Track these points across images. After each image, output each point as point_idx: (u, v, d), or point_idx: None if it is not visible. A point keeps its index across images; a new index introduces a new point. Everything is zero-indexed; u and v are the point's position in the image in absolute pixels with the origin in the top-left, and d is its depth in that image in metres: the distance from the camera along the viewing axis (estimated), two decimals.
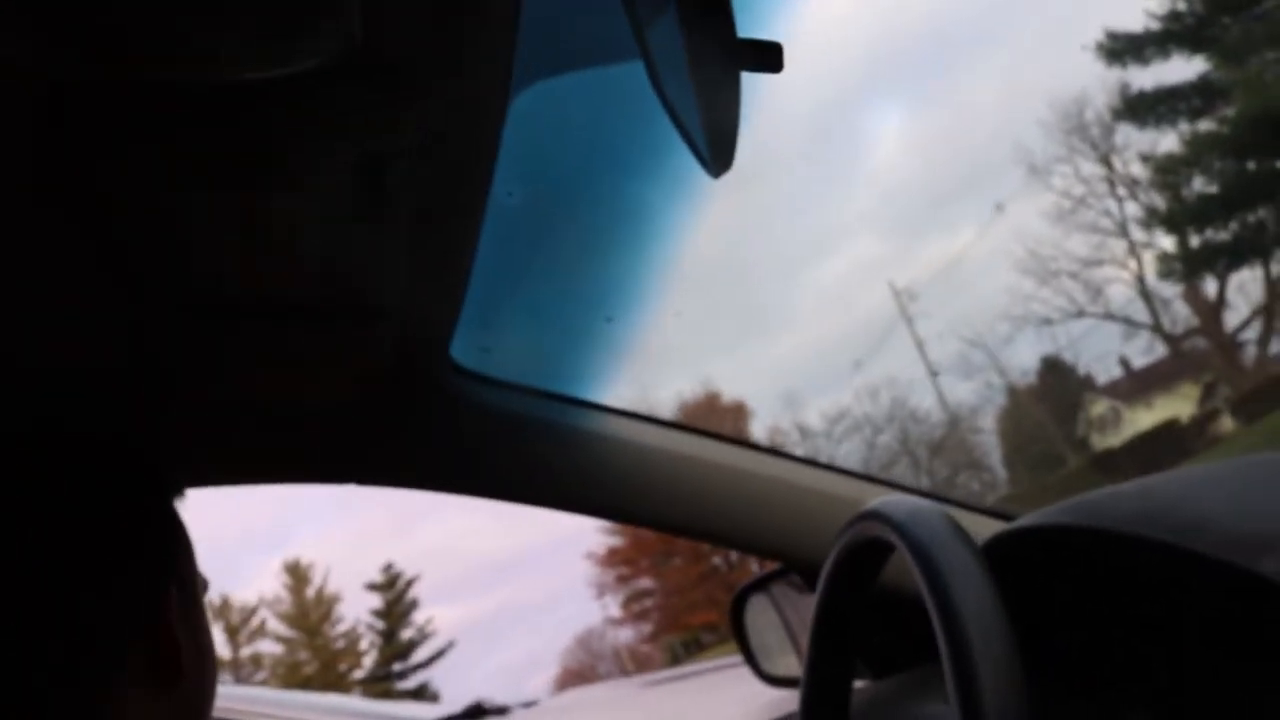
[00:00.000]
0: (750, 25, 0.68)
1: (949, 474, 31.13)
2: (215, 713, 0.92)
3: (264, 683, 33.61)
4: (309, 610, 35.70)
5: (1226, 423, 23.41)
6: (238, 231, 0.83)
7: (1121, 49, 23.66)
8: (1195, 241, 23.45)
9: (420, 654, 36.32)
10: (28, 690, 0.77)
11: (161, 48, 0.61)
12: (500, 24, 0.69)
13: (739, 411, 33.55)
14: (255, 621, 35.04)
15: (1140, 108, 24.19)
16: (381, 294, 0.97)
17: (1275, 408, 19.83)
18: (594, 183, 1.10)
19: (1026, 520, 0.86)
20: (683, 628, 32.03)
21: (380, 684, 34.94)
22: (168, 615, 0.85)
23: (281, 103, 0.69)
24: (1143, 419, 27.61)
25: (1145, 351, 29.73)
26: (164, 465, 0.95)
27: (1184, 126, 23.54)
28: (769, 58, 0.66)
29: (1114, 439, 27.70)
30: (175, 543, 0.92)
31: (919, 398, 32.86)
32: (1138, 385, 29.43)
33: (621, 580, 34.52)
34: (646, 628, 35.09)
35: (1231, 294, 25.66)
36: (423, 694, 34.41)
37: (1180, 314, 27.62)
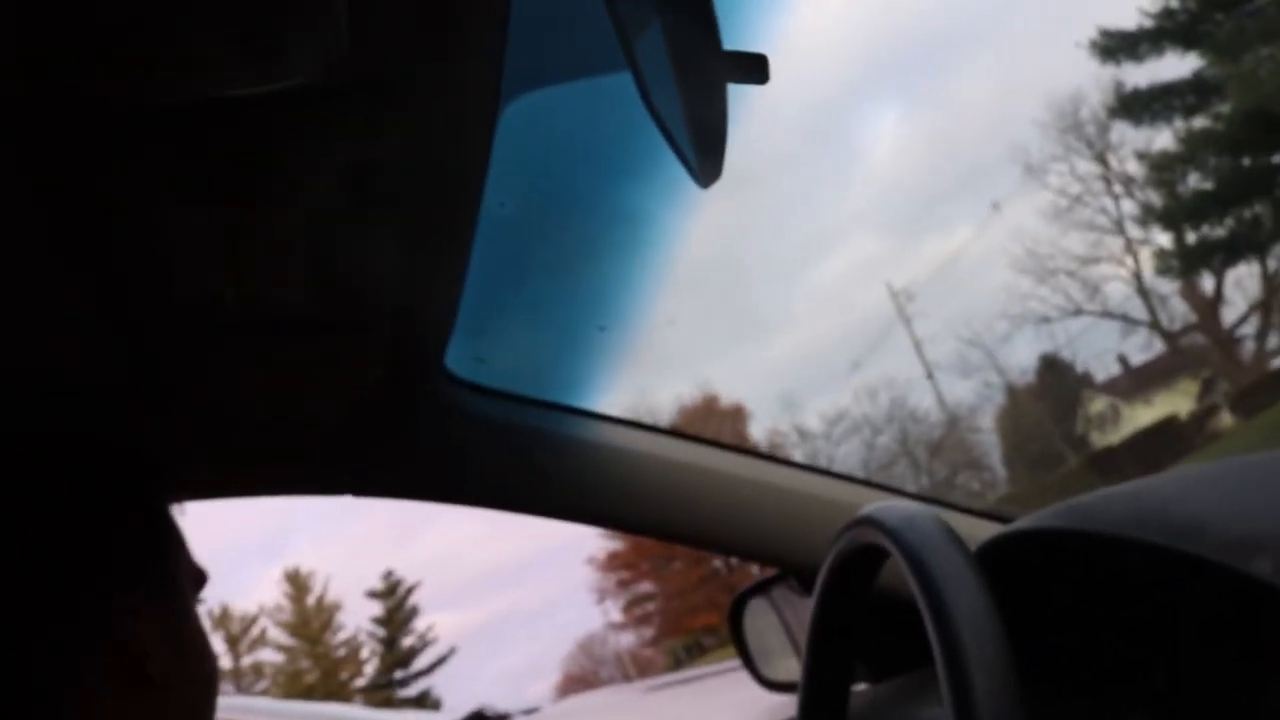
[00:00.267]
0: (743, 28, 0.68)
1: (948, 474, 31.13)
2: None
3: (265, 692, 33.56)
4: (310, 619, 35.70)
5: (1225, 418, 23.43)
6: (230, 244, 0.84)
7: (1115, 46, 23.69)
8: (1192, 238, 23.50)
9: (421, 661, 36.36)
10: None
11: (152, 64, 0.61)
12: (488, 36, 0.69)
13: (738, 414, 33.60)
14: (255, 630, 35.04)
15: (1135, 105, 24.22)
16: (375, 305, 0.97)
17: (1273, 403, 19.83)
18: (585, 191, 1.10)
19: (1021, 524, 0.86)
20: (684, 631, 32.03)
21: (382, 692, 34.94)
22: (133, 619, 0.85)
23: (271, 116, 0.70)
24: (1142, 416, 27.62)
25: (1143, 348, 29.81)
26: (156, 477, 0.95)
27: (1179, 123, 23.60)
28: (754, 69, 0.66)
29: (1113, 436, 27.72)
30: (150, 545, 0.91)
31: (918, 398, 32.83)
32: (1136, 382, 29.46)
33: (622, 585, 34.54)
34: (648, 632, 35.12)
35: (1229, 290, 25.74)
36: (424, 701, 34.40)
37: (1178, 310, 27.70)
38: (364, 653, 36.52)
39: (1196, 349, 27.71)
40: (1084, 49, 23.94)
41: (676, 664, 28.33)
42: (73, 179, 0.71)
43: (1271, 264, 23.98)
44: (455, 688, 36.50)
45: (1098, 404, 29.98)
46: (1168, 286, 26.54)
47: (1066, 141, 27.54)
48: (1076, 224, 27.82)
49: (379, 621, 36.42)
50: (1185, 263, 24.02)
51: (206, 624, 0.97)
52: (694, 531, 1.33)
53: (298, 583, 35.94)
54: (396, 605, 36.66)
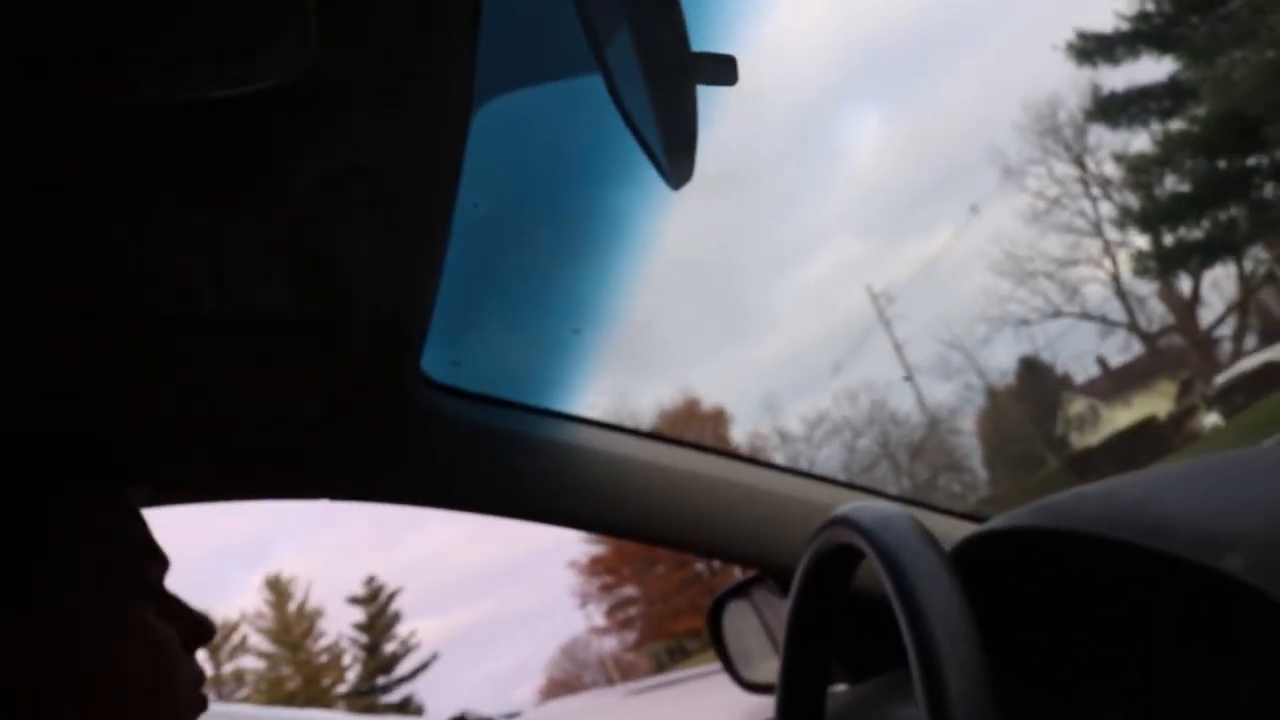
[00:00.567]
0: (723, 31, 0.68)
1: (929, 476, 31.25)
2: None
3: (247, 698, 33.38)
4: (291, 625, 35.54)
5: (1203, 419, 23.55)
6: (204, 248, 0.83)
7: (1092, 49, 23.79)
8: (1169, 240, 23.60)
9: (404, 667, 36.22)
10: None
11: (122, 68, 0.61)
12: (459, 38, 0.69)
13: (719, 418, 33.63)
14: (237, 637, 34.84)
15: (1112, 108, 24.34)
16: (350, 309, 0.97)
17: (1250, 403, 19.96)
18: (559, 193, 1.10)
19: (995, 523, 0.87)
20: (667, 635, 32.02)
21: (364, 698, 34.80)
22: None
23: (243, 118, 0.69)
24: (1121, 417, 27.78)
25: (1122, 350, 29.99)
26: (132, 481, 0.94)
27: (1155, 126, 23.70)
28: (723, 70, 0.66)
29: (1093, 438, 27.86)
30: (51, 555, 0.83)
31: (898, 400, 32.98)
32: (1115, 383, 29.62)
33: (605, 589, 34.52)
34: (631, 636, 35.09)
35: (1206, 291, 25.92)
36: (407, 707, 34.28)
37: (1156, 312, 27.90)
38: (346, 659, 36.40)
39: (1175, 350, 27.88)
40: (1061, 52, 24.09)
41: (659, 667, 28.33)
42: (55, 178, 0.71)
43: (1248, 265, 24.18)
44: (438, 694, 36.44)
45: (1077, 406, 30.13)
46: (1146, 288, 26.74)
47: (1044, 144, 27.77)
48: (1055, 226, 28.05)
49: (361, 628, 36.28)
50: (1163, 264, 24.14)
51: None
52: (674, 533, 1.33)
53: (279, 589, 35.79)
54: (379, 611, 36.53)
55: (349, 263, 0.91)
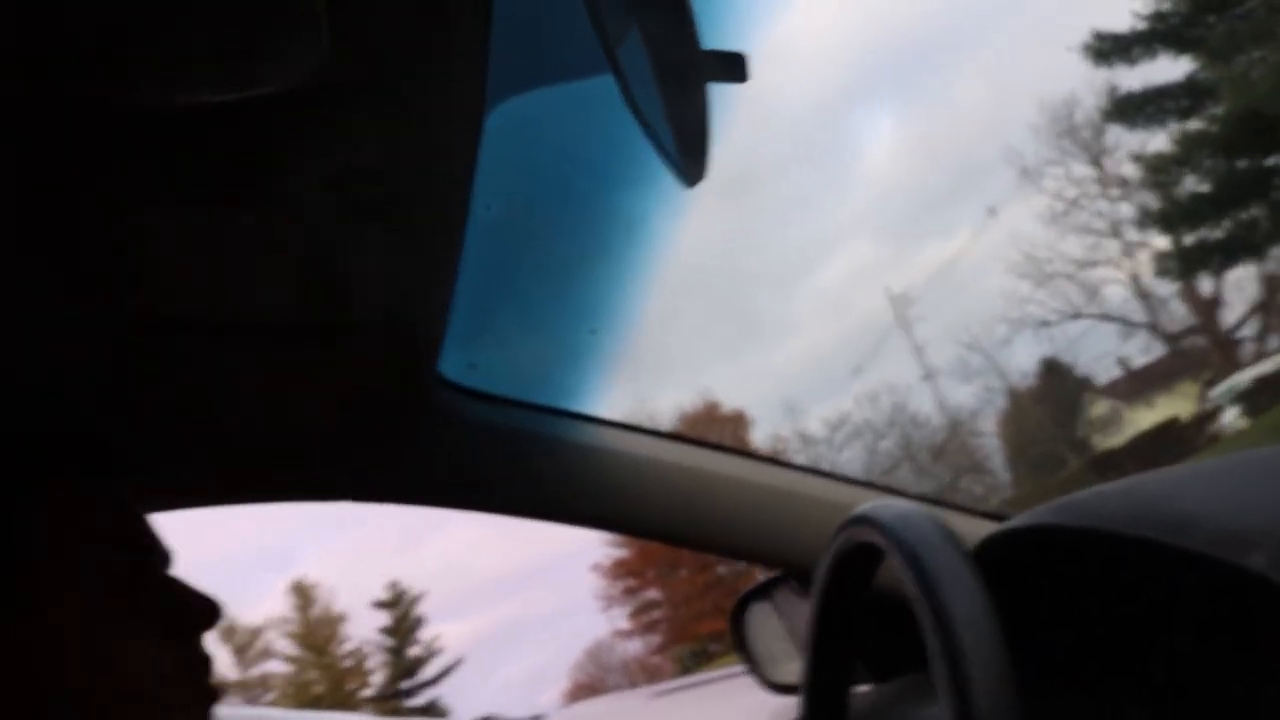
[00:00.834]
0: (734, 34, 0.68)
1: (951, 478, 31.09)
2: None
3: (274, 703, 33.53)
4: (316, 629, 35.65)
5: (1227, 419, 23.38)
6: (221, 252, 0.84)
7: (1108, 49, 23.66)
8: (1189, 240, 23.44)
9: (428, 671, 36.24)
10: None
11: (124, 69, 0.61)
12: (470, 41, 0.69)
13: (738, 421, 33.54)
14: (261, 642, 34.99)
15: (1129, 108, 24.20)
16: (366, 311, 0.97)
17: (1274, 404, 19.81)
18: (574, 194, 1.10)
19: (1017, 521, 0.86)
20: (691, 638, 31.93)
21: (389, 702, 34.85)
22: None
23: (256, 121, 0.70)
24: (1143, 418, 27.59)
25: (1144, 351, 29.79)
26: (149, 485, 0.94)
27: (1173, 126, 23.53)
28: (733, 68, 0.66)
29: (1115, 439, 27.68)
30: (50, 555, 0.82)
31: (919, 402, 32.87)
32: (1137, 385, 29.43)
33: (628, 592, 34.46)
34: (655, 639, 35.01)
35: (1228, 291, 25.73)
36: (432, 711, 34.36)
37: (1177, 312, 27.69)
38: (371, 663, 36.46)
39: (1197, 351, 27.70)
40: (1077, 52, 23.97)
41: (684, 670, 28.23)
42: (61, 179, 0.71)
43: (1269, 265, 23.97)
44: (463, 697, 36.46)
45: (1099, 407, 29.95)
46: (1167, 289, 26.57)
47: (1062, 145, 27.62)
48: (1073, 227, 27.89)
49: (385, 631, 36.37)
50: (1183, 265, 23.98)
51: (210, 636, 0.92)
52: (694, 533, 1.33)
53: (304, 594, 35.91)
54: (403, 615, 36.59)
55: (365, 266, 0.91)
